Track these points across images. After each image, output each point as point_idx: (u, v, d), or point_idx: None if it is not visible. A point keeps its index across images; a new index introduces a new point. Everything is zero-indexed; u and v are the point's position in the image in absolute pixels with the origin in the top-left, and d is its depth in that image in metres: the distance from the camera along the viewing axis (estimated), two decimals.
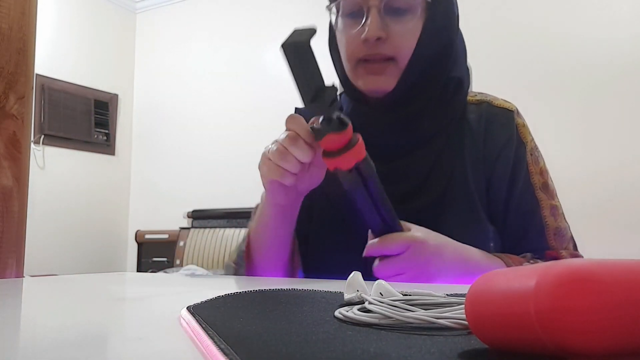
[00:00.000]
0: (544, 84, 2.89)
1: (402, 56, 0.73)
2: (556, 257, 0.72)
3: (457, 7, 0.78)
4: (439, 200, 0.74)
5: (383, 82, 0.73)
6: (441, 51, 0.76)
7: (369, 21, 0.70)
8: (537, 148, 0.79)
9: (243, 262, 0.75)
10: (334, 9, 0.77)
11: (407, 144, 0.76)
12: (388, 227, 0.63)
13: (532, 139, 0.79)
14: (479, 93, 0.83)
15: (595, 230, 2.59)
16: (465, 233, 0.72)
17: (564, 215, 0.77)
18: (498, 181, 0.76)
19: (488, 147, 0.77)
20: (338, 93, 0.86)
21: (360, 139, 0.60)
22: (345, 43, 0.75)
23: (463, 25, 0.81)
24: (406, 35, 0.72)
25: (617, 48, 2.73)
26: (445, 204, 0.74)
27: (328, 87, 0.56)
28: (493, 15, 3.05)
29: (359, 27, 0.72)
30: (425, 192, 0.75)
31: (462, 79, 0.79)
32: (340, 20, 0.75)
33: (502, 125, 0.78)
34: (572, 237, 0.77)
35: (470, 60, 0.87)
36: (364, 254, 0.64)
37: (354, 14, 0.73)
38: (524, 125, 0.79)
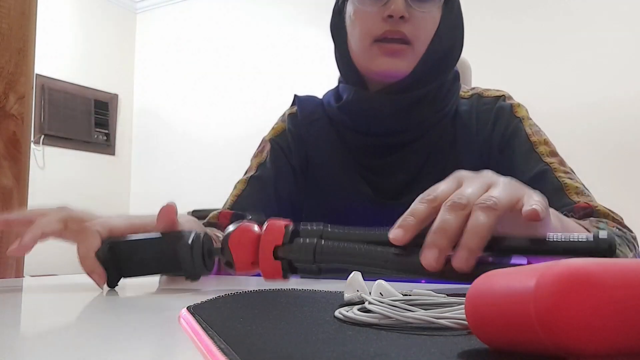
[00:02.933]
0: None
1: (420, 42, 0.73)
2: (587, 208, 0.66)
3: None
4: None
5: (399, 65, 0.73)
6: (454, 46, 0.77)
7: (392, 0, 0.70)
8: (536, 125, 0.78)
9: None
10: None
11: (404, 133, 0.76)
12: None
13: (530, 117, 0.79)
14: (472, 88, 0.84)
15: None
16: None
17: (585, 187, 0.71)
18: (495, 155, 0.76)
19: (480, 134, 0.77)
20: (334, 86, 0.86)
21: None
22: (363, 20, 0.73)
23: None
24: (426, 22, 0.73)
25: None
26: None
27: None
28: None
29: (380, 5, 0.71)
30: (419, 184, 0.75)
31: (458, 72, 0.81)
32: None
33: (490, 110, 0.78)
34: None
35: None
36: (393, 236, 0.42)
37: None
38: (519, 105, 0.79)
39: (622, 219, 0.68)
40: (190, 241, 0.49)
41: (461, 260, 0.38)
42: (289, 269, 0.46)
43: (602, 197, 0.73)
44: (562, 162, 0.73)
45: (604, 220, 0.64)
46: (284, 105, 0.90)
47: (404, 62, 0.72)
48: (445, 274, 0.40)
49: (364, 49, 0.74)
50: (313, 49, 3.72)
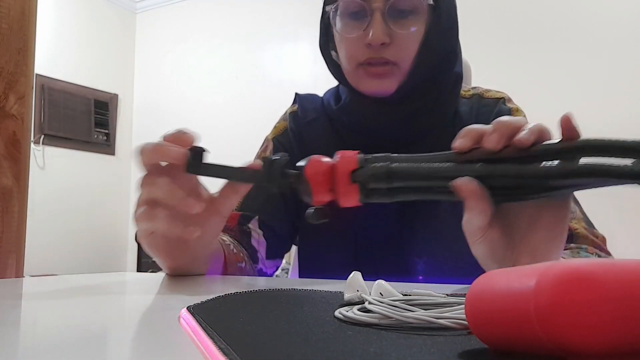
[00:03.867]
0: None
1: (404, 61, 0.72)
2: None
3: (456, 9, 0.78)
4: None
5: (385, 86, 0.73)
6: (445, 54, 0.76)
7: (372, 25, 0.69)
8: None
9: None
10: (331, 8, 0.75)
11: (402, 138, 0.76)
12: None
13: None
14: (473, 87, 0.83)
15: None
16: (458, 226, 0.72)
17: (574, 198, 0.71)
18: None
19: None
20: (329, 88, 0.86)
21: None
22: (346, 45, 0.74)
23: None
24: (409, 40, 0.71)
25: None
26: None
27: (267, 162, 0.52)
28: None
29: (361, 30, 0.71)
30: None
31: (461, 74, 0.79)
32: (339, 20, 0.74)
33: (489, 112, 0.78)
34: (586, 219, 0.69)
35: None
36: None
37: (355, 15, 0.72)
38: (518, 110, 0.78)
39: (604, 240, 0.66)
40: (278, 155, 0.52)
41: (523, 135, 0.43)
42: (364, 194, 0.49)
43: (591, 210, 0.72)
44: None
45: (584, 246, 0.64)
46: (284, 105, 0.90)
47: (390, 82, 0.72)
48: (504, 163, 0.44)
49: (350, 71, 0.74)
50: (313, 49, 3.72)
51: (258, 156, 0.85)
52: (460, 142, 0.46)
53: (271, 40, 4.00)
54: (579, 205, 0.71)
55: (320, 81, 0.86)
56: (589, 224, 0.70)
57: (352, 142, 0.79)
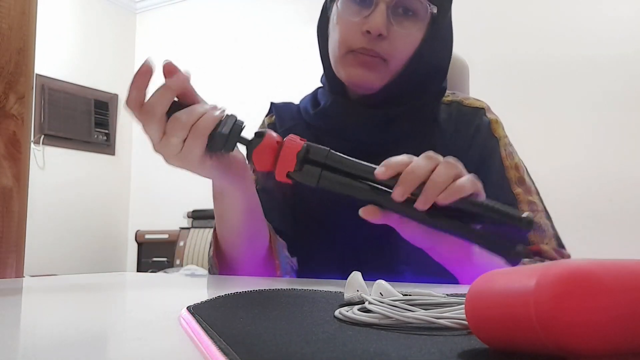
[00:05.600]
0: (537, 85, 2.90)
1: (395, 60, 0.71)
2: (538, 252, 0.68)
3: (452, 29, 0.78)
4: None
5: (370, 79, 0.72)
6: (438, 65, 0.76)
7: (375, 14, 0.68)
8: (511, 144, 0.77)
9: (215, 269, 0.71)
10: None
11: (382, 144, 0.75)
12: (377, 191, 0.57)
13: (506, 135, 0.78)
14: (452, 93, 0.82)
15: (593, 231, 2.59)
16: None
17: (545, 212, 0.73)
18: (471, 171, 0.75)
19: (457, 144, 0.75)
20: (314, 89, 0.87)
21: (287, 143, 0.58)
22: (343, 28, 0.72)
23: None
24: (406, 40, 0.71)
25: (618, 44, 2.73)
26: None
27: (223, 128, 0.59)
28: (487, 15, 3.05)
29: (362, 16, 0.70)
30: None
31: (445, 88, 0.79)
32: (342, 3, 0.73)
33: (469, 122, 0.77)
34: (556, 235, 0.72)
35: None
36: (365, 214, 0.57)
37: (360, 1, 0.71)
38: (497, 122, 0.78)
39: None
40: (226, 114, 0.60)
41: (419, 204, 0.54)
42: (298, 167, 0.58)
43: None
44: (527, 191, 0.73)
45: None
46: None
47: (376, 75, 0.71)
48: (410, 210, 0.55)
49: (339, 57, 0.73)
50: (314, 50, 3.72)
51: None
52: (380, 170, 0.56)
53: (272, 40, 4.00)
54: (552, 222, 0.72)
55: (319, 82, 0.86)
56: (559, 244, 0.71)
57: (330, 146, 0.79)
